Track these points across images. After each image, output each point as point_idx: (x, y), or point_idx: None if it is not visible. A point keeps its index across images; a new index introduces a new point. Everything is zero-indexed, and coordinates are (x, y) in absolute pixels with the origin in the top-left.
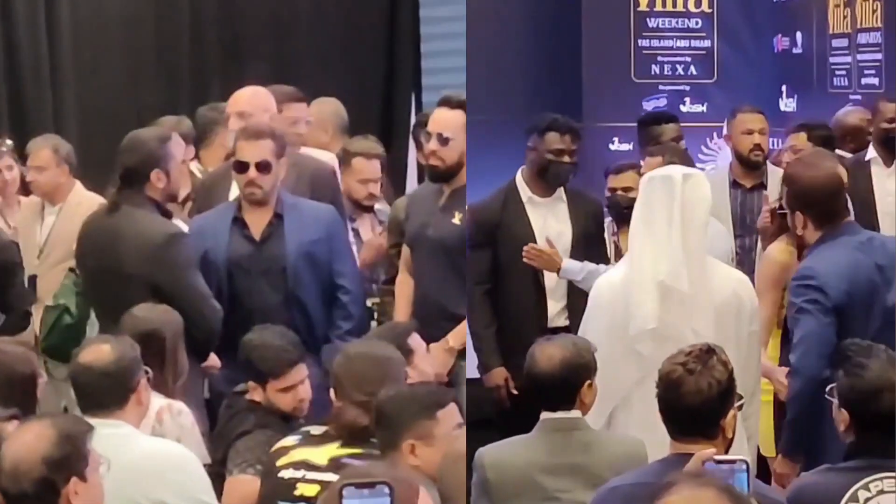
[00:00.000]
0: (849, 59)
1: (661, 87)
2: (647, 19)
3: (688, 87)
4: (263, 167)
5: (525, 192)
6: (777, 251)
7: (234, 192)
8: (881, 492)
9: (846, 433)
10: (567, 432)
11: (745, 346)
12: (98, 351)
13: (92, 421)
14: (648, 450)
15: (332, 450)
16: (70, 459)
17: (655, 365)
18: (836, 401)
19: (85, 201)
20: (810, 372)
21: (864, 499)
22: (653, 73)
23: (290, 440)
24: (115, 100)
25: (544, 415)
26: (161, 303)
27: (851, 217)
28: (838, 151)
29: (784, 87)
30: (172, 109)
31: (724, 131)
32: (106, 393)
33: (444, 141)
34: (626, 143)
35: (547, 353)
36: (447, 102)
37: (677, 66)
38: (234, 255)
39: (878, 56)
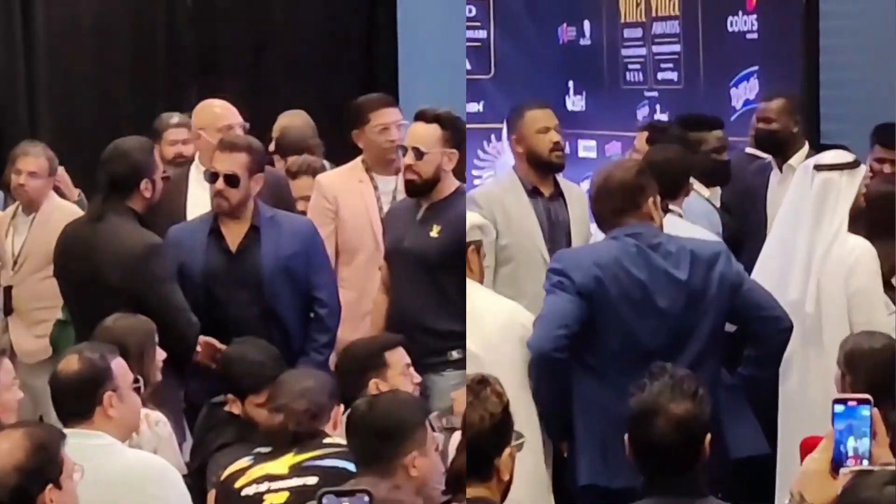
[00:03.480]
0: (643, 51)
1: None
2: None
3: None
4: (231, 180)
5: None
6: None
7: (191, 198)
8: None
9: (631, 458)
10: None
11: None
12: (67, 361)
13: (71, 431)
14: None
15: (290, 458)
16: (44, 468)
17: None
18: None
19: (58, 210)
20: (541, 346)
21: None
22: None
23: (243, 462)
24: (90, 111)
25: None
26: (139, 313)
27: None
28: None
29: (571, 83)
30: (148, 121)
31: (509, 134)
32: (71, 404)
33: (419, 155)
34: None
35: None
36: (423, 116)
37: None
38: (211, 267)
39: (677, 48)
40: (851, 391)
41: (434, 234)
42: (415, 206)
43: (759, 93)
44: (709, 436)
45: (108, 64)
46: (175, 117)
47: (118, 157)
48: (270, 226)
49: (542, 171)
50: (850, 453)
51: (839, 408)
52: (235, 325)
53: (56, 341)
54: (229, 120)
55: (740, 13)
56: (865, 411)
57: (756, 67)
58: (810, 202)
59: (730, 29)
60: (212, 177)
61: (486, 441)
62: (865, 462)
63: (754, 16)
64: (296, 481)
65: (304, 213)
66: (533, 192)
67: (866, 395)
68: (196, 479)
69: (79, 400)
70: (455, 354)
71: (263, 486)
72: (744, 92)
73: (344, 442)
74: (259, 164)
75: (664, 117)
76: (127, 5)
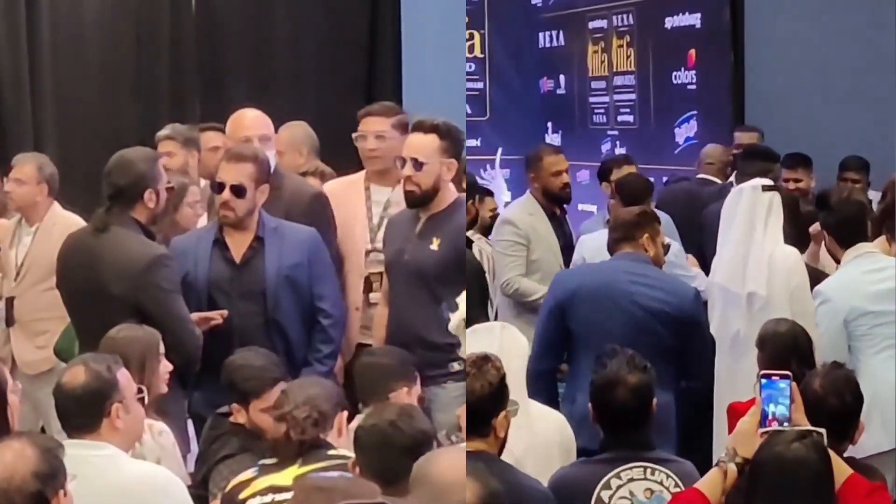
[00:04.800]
0: (606, 98)
1: None
2: None
3: None
4: (238, 191)
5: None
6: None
7: None
8: (631, 479)
9: (595, 425)
10: None
11: None
12: (73, 373)
13: (74, 441)
14: None
15: (294, 470)
16: (57, 473)
17: None
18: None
19: (60, 221)
20: (533, 367)
21: (616, 486)
22: None
23: (247, 474)
24: (94, 120)
25: None
26: (143, 324)
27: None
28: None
29: (549, 124)
30: (151, 130)
31: (527, 171)
32: (77, 416)
33: (418, 165)
34: None
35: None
36: (420, 127)
37: None
38: (214, 278)
39: (632, 96)
40: (760, 366)
41: (434, 246)
42: (414, 217)
43: (697, 131)
44: (655, 399)
45: (111, 73)
46: (166, 129)
47: (122, 168)
48: (274, 236)
49: (553, 201)
50: (770, 416)
51: (763, 381)
52: (239, 335)
53: (60, 351)
54: (246, 132)
55: (682, 69)
56: (783, 384)
57: (695, 112)
58: (762, 214)
59: (674, 82)
60: (218, 187)
61: (486, 405)
62: (786, 424)
63: (693, 71)
64: None
65: None
66: (551, 216)
67: (786, 372)
68: (201, 489)
69: (86, 412)
70: (456, 366)
71: (268, 498)
72: (685, 131)
73: (349, 453)
74: (265, 174)
75: (623, 151)
76: (130, 15)
